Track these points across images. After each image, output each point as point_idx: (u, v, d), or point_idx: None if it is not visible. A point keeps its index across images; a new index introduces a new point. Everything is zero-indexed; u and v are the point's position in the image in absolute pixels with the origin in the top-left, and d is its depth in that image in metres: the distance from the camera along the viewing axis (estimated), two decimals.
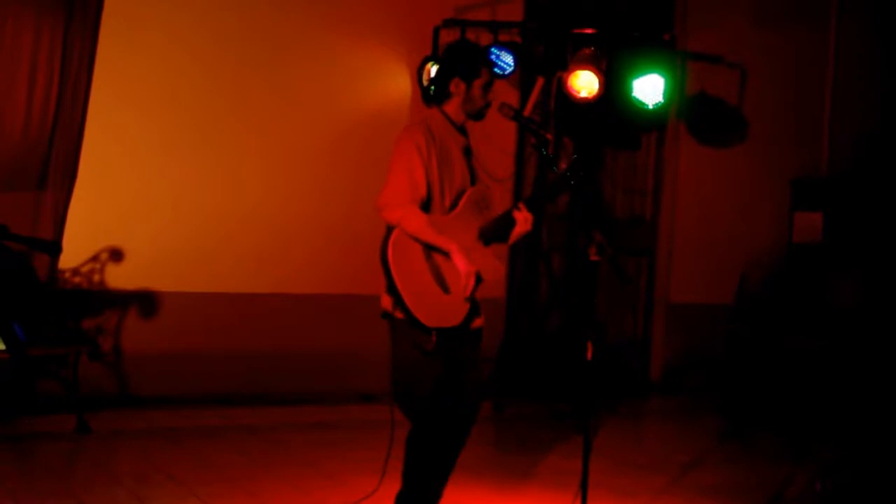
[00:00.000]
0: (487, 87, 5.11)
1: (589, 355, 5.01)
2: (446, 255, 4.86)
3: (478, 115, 5.15)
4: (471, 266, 4.85)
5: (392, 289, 4.79)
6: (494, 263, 5.10)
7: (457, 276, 4.89)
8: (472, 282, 4.85)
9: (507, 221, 5.06)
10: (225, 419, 7.98)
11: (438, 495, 5.25)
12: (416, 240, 4.81)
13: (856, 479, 5.29)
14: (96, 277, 7.95)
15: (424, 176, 4.86)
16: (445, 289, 4.86)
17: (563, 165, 5.06)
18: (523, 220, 5.02)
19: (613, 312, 10.28)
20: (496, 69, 8.46)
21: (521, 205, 5.05)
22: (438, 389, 4.96)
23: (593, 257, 5.01)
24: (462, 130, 5.16)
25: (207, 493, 5.99)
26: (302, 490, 6.21)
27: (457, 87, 5.07)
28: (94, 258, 7.93)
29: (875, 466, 5.53)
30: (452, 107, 5.10)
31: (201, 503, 5.83)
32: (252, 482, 6.29)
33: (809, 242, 10.23)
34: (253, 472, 6.55)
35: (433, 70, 8.42)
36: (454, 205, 5.02)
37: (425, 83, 8.67)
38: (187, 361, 8.27)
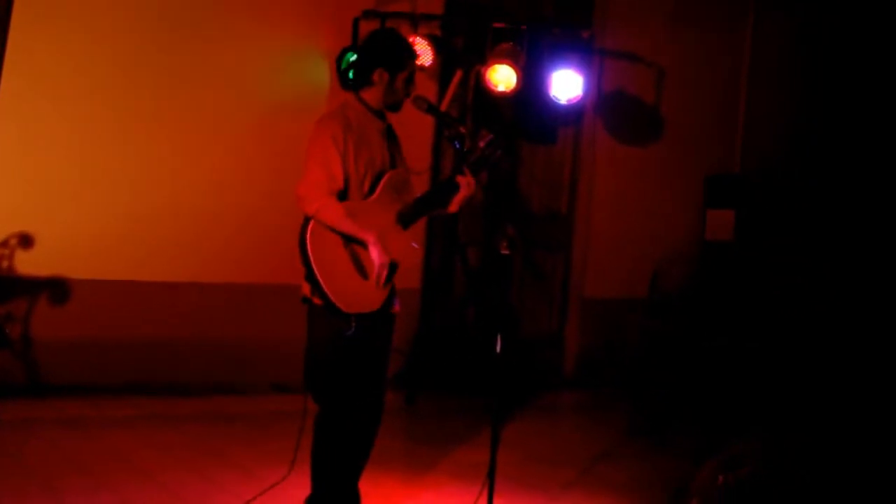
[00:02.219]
0: (410, 80, 5.15)
1: (498, 348, 5.06)
2: (364, 245, 4.90)
3: (395, 107, 5.19)
4: (385, 257, 4.90)
5: (310, 276, 4.84)
6: (412, 248, 5.16)
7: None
8: (384, 273, 4.90)
9: (450, 187, 5.12)
10: (136, 409, 7.90)
11: (353, 488, 5.27)
12: (334, 231, 4.85)
13: (758, 472, 5.39)
14: (5, 263, 7.82)
15: (341, 167, 4.91)
16: (364, 275, 4.92)
17: (481, 144, 5.13)
18: (466, 184, 5.09)
19: (528, 306, 10.34)
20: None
21: (465, 168, 5.11)
22: (351, 375, 5.01)
23: (504, 251, 5.06)
24: (380, 115, 5.19)
25: (117, 483, 5.95)
26: (212, 481, 6.19)
27: (380, 76, 5.10)
28: (3, 244, 7.81)
29: (778, 459, 5.64)
30: (371, 94, 5.13)
31: (110, 493, 5.79)
32: (163, 473, 6.25)
33: (721, 240, 10.38)
34: (164, 462, 6.50)
35: (353, 56, 8.40)
36: (372, 189, 5.05)
37: (343, 70, 8.65)
38: (99, 350, 8.18)
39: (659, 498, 6.22)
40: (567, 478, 6.87)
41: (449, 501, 6.08)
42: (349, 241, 4.91)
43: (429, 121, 8.93)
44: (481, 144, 5.13)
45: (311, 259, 4.82)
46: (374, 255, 4.89)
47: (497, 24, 8.96)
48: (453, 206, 5.20)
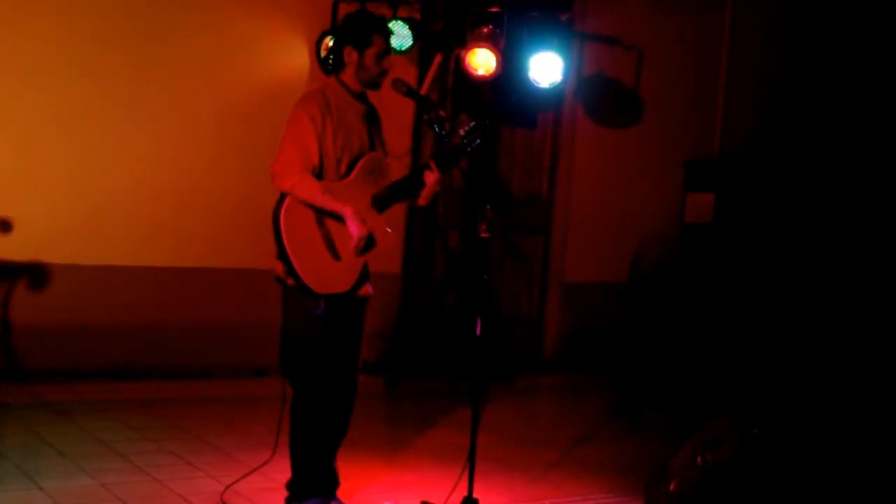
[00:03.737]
0: (381, 56, 5.15)
1: (478, 331, 5.07)
2: (341, 219, 4.90)
3: (373, 84, 5.20)
4: (363, 229, 4.92)
5: (282, 255, 4.86)
6: (386, 232, 5.16)
7: (348, 242, 4.95)
8: (361, 244, 4.92)
9: (415, 181, 5.13)
10: (115, 393, 7.89)
11: (330, 466, 5.28)
12: (311, 207, 4.86)
13: (737, 452, 5.42)
14: None
15: (317, 145, 4.92)
16: (336, 255, 4.94)
17: (461, 132, 5.14)
18: (434, 181, 5.10)
19: (508, 290, 10.35)
20: (395, 44, 8.48)
21: (431, 163, 5.12)
22: (322, 356, 5.02)
23: (483, 234, 5.07)
24: (361, 98, 5.20)
25: (96, 468, 5.93)
26: (192, 464, 6.18)
27: (349, 55, 5.11)
28: None
29: (757, 438, 5.67)
30: (348, 75, 5.15)
31: (90, 478, 5.77)
32: (142, 456, 6.24)
33: (701, 222, 10.41)
34: (143, 445, 6.50)
35: (331, 42, 8.38)
36: (349, 171, 5.06)
37: (323, 57, 8.64)
38: (78, 335, 8.15)
39: (639, 478, 6.23)
40: (548, 459, 6.89)
41: (431, 483, 6.08)
42: (322, 221, 4.93)
43: (409, 104, 8.86)
44: (461, 132, 5.15)
45: (284, 236, 4.84)
46: (352, 228, 4.92)
47: (477, 8, 8.95)
48: (422, 200, 5.22)
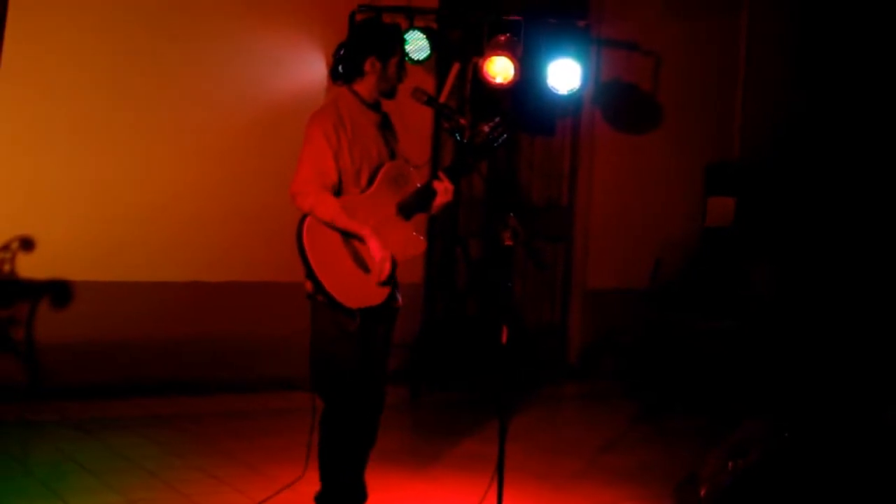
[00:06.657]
0: (401, 65, 5.15)
1: (504, 340, 5.04)
2: (362, 240, 4.89)
3: (391, 94, 5.19)
4: (385, 251, 4.88)
5: (310, 274, 4.82)
6: (415, 238, 5.16)
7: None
8: (387, 266, 4.88)
9: (428, 193, 5.11)
10: (140, 409, 7.89)
11: (359, 480, 5.26)
12: (331, 226, 4.84)
13: (767, 457, 5.39)
14: (6, 267, 7.81)
15: (333, 163, 4.90)
16: (365, 268, 4.91)
17: (486, 129, 5.10)
18: (444, 191, 5.09)
19: (530, 298, 10.33)
20: (412, 54, 8.49)
21: (441, 174, 5.10)
22: (354, 369, 4.99)
23: (507, 242, 5.04)
24: (374, 107, 5.18)
25: (121, 483, 5.93)
26: (219, 479, 6.17)
27: (372, 65, 5.11)
28: (5, 247, 7.79)
29: (786, 443, 5.64)
30: (365, 85, 5.13)
31: (115, 494, 5.77)
32: (168, 472, 6.23)
33: (722, 226, 10.38)
34: (169, 461, 6.48)
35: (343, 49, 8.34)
36: (371, 182, 5.04)
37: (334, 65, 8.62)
38: (101, 351, 8.16)
39: (666, 485, 6.20)
40: (575, 467, 6.86)
41: (456, 494, 6.07)
42: (348, 235, 4.90)
43: (428, 113, 8.95)
44: (486, 129, 5.11)
45: (309, 258, 4.82)
46: (374, 250, 4.88)
47: (494, 16, 8.94)
48: (432, 211, 5.21)
